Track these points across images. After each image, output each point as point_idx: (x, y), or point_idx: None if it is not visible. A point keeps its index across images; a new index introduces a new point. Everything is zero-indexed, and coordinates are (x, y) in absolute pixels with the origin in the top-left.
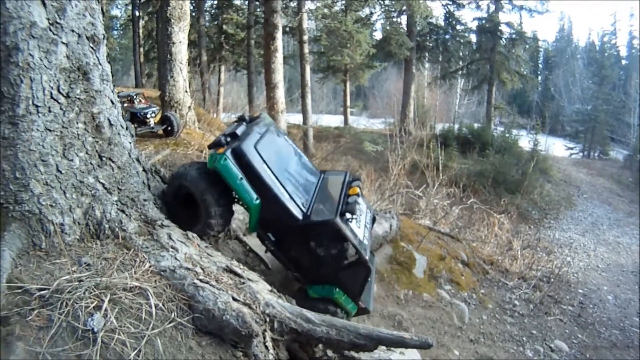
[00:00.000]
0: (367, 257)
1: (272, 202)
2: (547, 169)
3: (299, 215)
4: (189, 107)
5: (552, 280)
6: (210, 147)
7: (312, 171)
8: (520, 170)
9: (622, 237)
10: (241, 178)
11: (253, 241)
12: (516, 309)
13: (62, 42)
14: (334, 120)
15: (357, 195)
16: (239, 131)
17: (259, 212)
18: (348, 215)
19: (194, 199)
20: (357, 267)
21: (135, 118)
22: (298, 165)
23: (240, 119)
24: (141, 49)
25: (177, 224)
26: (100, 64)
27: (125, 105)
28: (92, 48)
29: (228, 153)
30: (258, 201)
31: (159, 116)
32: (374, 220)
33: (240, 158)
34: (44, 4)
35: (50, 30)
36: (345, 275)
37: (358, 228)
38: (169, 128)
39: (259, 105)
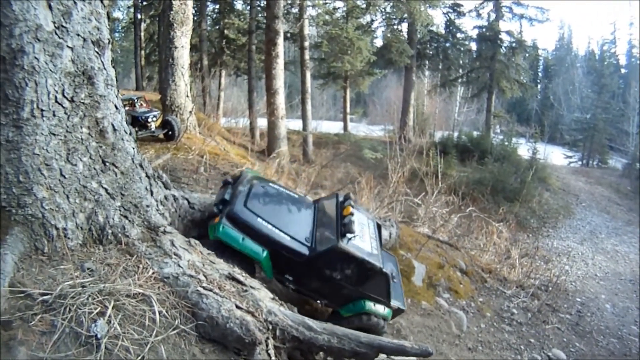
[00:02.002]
0: (380, 265)
1: (278, 248)
2: (545, 177)
3: (305, 251)
4: (190, 112)
5: (550, 288)
6: (208, 219)
7: (306, 204)
8: (519, 178)
9: (621, 245)
10: (243, 238)
11: None
12: (514, 318)
13: (68, 46)
14: (333, 127)
15: (351, 214)
16: (227, 196)
17: (270, 261)
18: (349, 235)
19: None
20: (375, 276)
21: (137, 122)
22: (291, 205)
23: (225, 183)
24: (142, 52)
25: None
26: (105, 69)
27: (127, 108)
28: (97, 52)
29: (224, 220)
30: (265, 253)
31: (160, 120)
32: (379, 227)
33: (236, 220)
34: (50, 7)
35: (56, 33)
36: (368, 288)
37: (363, 242)
38: (170, 132)
39: (259, 110)
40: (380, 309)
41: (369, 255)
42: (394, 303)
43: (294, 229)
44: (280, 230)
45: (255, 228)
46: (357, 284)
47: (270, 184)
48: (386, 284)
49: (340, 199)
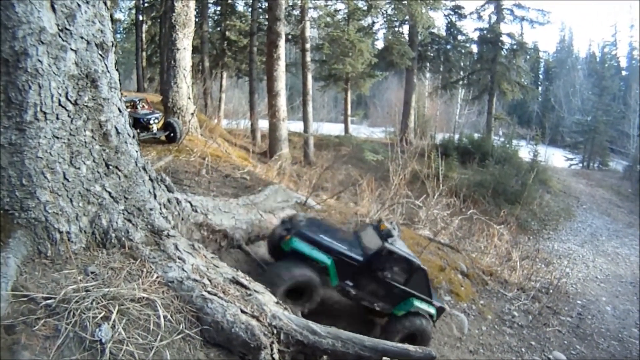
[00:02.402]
0: (419, 262)
1: (340, 256)
2: (546, 179)
3: (360, 257)
4: (192, 114)
5: (551, 291)
6: (276, 243)
7: (349, 234)
8: (520, 180)
9: (621, 248)
10: (312, 248)
11: (255, 250)
12: (515, 320)
13: (71, 49)
14: (334, 129)
15: (387, 227)
16: (289, 225)
17: (336, 267)
18: (390, 239)
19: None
20: (416, 273)
21: (138, 123)
22: (339, 232)
23: (283, 221)
24: (144, 54)
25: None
26: (108, 72)
27: (129, 110)
28: (100, 55)
29: (294, 236)
30: (330, 260)
31: (161, 122)
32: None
33: (303, 236)
34: (54, 10)
35: (60, 36)
36: (412, 285)
37: (401, 246)
38: (172, 134)
39: (260, 112)
40: (426, 306)
41: (409, 255)
42: (436, 302)
43: (348, 243)
44: (339, 243)
45: (319, 241)
46: (404, 282)
47: (319, 220)
48: (426, 280)
49: (375, 223)
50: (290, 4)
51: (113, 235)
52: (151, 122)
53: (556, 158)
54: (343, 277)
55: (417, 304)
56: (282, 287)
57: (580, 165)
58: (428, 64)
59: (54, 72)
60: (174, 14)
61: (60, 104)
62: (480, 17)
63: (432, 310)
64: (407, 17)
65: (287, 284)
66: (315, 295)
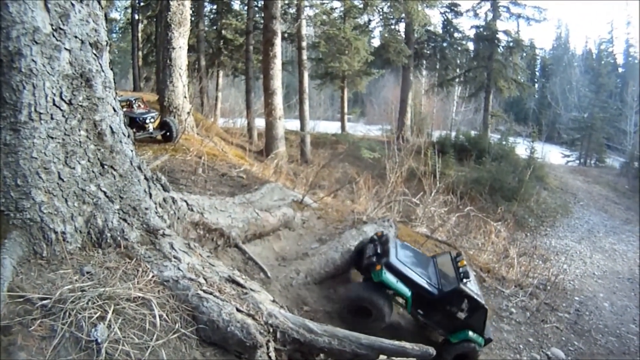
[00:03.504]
0: (484, 303)
1: (418, 289)
2: (543, 176)
3: (435, 292)
4: (188, 113)
5: (549, 287)
6: (367, 267)
7: (426, 259)
8: (516, 177)
9: (618, 244)
10: (397, 281)
11: (252, 249)
12: (513, 317)
13: (65, 49)
14: (331, 127)
15: (465, 266)
16: (379, 250)
17: (412, 298)
18: (465, 280)
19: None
20: (479, 311)
21: (134, 123)
22: (420, 259)
23: (372, 240)
24: (140, 53)
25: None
26: (103, 71)
27: (124, 109)
28: (95, 55)
29: (384, 268)
30: (410, 292)
31: (157, 121)
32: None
33: (391, 268)
34: (48, 10)
35: (54, 36)
36: (473, 320)
37: (474, 286)
38: (168, 133)
39: (256, 110)
40: (477, 337)
41: (478, 296)
42: (486, 335)
43: (427, 276)
44: (420, 277)
45: (404, 274)
46: (466, 317)
47: (405, 243)
48: (485, 316)
49: (453, 255)
50: (286, 2)
51: (108, 234)
52: (147, 121)
53: (553, 155)
54: (416, 307)
55: (471, 335)
56: (353, 304)
57: (577, 162)
58: (424, 62)
59: (48, 72)
60: (169, 13)
61: (54, 104)
62: (476, 15)
63: (480, 340)
64: (403, 15)
65: (359, 304)
66: (381, 322)
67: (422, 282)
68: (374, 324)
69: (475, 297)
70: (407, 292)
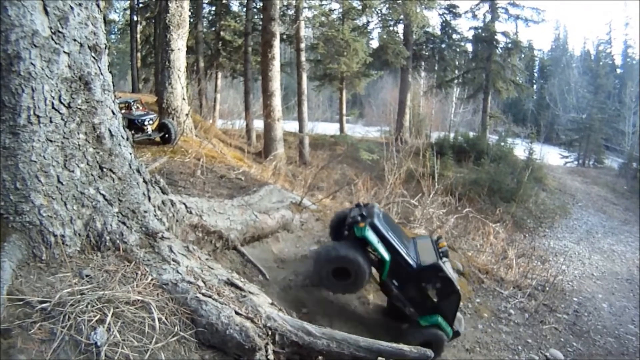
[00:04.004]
0: (458, 287)
1: (398, 257)
2: (542, 177)
3: (414, 265)
4: (187, 115)
5: (547, 288)
6: (351, 225)
7: (408, 238)
8: (515, 179)
9: (617, 245)
10: (378, 242)
11: (250, 251)
12: (511, 318)
13: (64, 52)
14: (329, 128)
15: (445, 246)
16: (365, 212)
17: (390, 265)
18: (444, 259)
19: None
20: (452, 296)
21: (133, 125)
22: (402, 234)
23: (357, 205)
24: (138, 54)
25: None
26: (101, 74)
27: (123, 111)
28: (94, 58)
29: (367, 226)
30: (389, 257)
31: (156, 123)
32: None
33: (375, 228)
34: (47, 12)
35: (52, 39)
36: (445, 305)
37: (450, 268)
38: (167, 135)
39: (255, 112)
40: (447, 326)
41: (454, 280)
42: (455, 325)
43: (407, 248)
44: (401, 246)
45: (386, 238)
46: (439, 299)
47: (389, 217)
48: (457, 304)
49: (434, 238)
50: (285, 3)
51: (107, 238)
52: (146, 123)
53: (551, 156)
54: (392, 276)
55: (441, 321)
56: (333, 265)
57: (576, 163)
58: (423, 63)
59: (47, 75)
60: (168, 15)
61: (53, 107)
62: (474, 16)
63: (449, 330)
64: (401, 17)
65: (338, 263)
66: (360, 282)
67: (402, 251)
68: (353, 287)
69: (451, 279)
70: (386, 256)
